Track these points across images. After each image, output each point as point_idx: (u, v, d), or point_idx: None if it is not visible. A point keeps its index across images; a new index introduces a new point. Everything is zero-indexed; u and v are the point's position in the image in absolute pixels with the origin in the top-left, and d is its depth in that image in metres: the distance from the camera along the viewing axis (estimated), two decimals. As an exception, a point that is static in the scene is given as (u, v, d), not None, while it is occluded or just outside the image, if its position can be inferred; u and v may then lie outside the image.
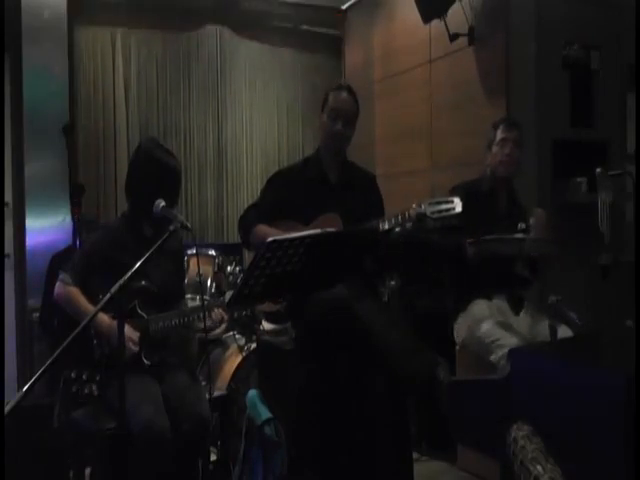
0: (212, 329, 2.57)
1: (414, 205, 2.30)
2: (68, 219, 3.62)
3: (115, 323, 1.97)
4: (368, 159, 4.51)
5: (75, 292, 2.44)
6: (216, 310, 2.48)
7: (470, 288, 2.90)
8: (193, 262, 3.12)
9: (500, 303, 2.88)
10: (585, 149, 3.68)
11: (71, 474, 2.51)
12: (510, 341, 2.59)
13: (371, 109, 4.81)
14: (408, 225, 2.30)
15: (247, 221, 2.58)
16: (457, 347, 2.98)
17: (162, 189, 2.36)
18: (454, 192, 2.67)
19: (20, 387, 3.76)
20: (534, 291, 3.02)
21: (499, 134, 2.94)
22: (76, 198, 3.28)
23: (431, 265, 3.25)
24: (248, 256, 3.80)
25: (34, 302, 3.81)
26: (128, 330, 2.34)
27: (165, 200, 2.29)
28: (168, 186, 2.45)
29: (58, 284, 2.47)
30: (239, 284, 2.09)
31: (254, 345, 3.21)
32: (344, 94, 2.54)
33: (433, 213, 2.30)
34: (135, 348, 2.39)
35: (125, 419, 1.95)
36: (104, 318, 2.34)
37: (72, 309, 2.44)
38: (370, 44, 4.99)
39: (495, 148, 2.94)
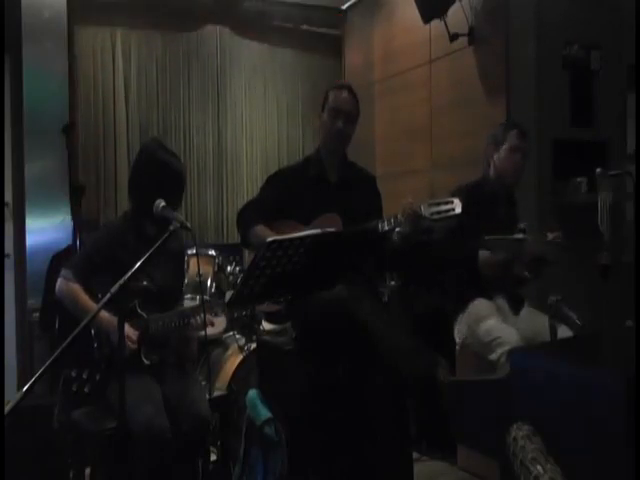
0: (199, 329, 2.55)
1: (414, 205, 2.30)
2: (68, 219, 3.62)
3: (115, 319, 1.97)
4: (368, 159, 4.51)
5: (76, 289, 2.44)
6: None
7: (470, 288, 2.90)
8: (193, 262, 3.11)
9: (500, 303, 2.89)
10: (585, 149, 3.68)
11: (71, 474, 2.51)
12: (510, 340, 2.59)
13: (371, 109, 4.81)
14: (408, 225, 2.30)
15: (246, 218, 2.58)
16: (457, 347, 2.98)
17: (164, 190, 2.36)
18: (455, 194, 2.67)
19: (20, 387, 3.76)
20: (534, 291, 3.02)
21: (510, 139, 2.90)
22: (76, 198, 3.29)
23: (431, 265, 3.25)
24: (248, 256, 3.80)
25: (34, 302, 3.82)
26: (127, 328, 2.34)
27: (168, 201, 2.28)
28: (170, 187, 2.45)
29: (60, 280, 2.48)
30: (239, 284, 2.09)
31: (254, 345, 3.21)
32: (345, 93, 2.54)
33: (433, 214, 2.30)
34: (133, 346, 2.39)
35: (125, 419, 1.94)
36: (104, 314, 2.33)
37: (73, 306, 2.44)
38: (370, 44, 4.99)
39: (504, 153, 2.91)
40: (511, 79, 3.68)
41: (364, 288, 2.35)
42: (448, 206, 2.30)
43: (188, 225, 2.16)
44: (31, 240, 4.05)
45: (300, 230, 2.22)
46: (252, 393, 2.48)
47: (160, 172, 2.46)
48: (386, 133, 4.83)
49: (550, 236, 2.78)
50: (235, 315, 3.02)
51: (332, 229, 2.22)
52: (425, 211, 2.29)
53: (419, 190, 4.23)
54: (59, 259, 3.38)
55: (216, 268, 3.52)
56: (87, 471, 2.56)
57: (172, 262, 2.63)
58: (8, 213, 4.17)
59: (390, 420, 2.19)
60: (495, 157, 2.95)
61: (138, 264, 1.80)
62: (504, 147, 2.92)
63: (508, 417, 1.76)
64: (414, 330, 2.93)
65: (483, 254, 2.74)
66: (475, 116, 3.85)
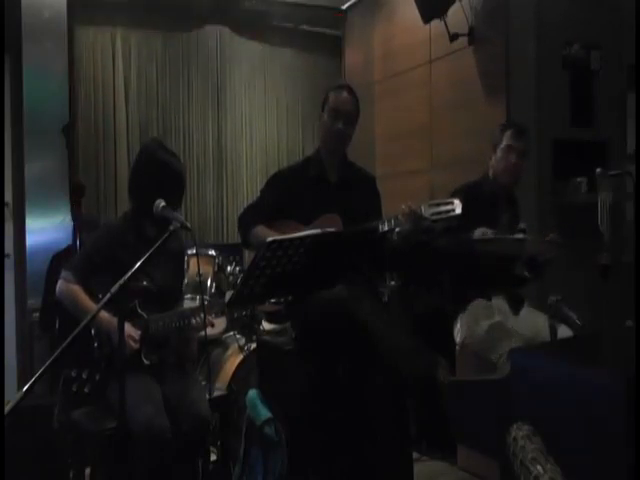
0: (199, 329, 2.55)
1: (414, 206, 2.30)
2: (68, 219, 3.62)
3: (115, 319, 1.97)
4: (368, 159, 4.51)
5: (77, 290, 2.44)
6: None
7: (470, 288, 2.90)
8: (193, 262, 3.12)
9: (500, 303, 2.88)
10: (585, 149, 3.68)
11: (71, 474, 2.51)
12: (510, 341, 2.59)
13: (371, 109, 4.81)
14: (408, 225, 2.30)
15: (247, 220, 2.58)
16: (457, 347, 2.98)
17: (164, 190, 2.36)
18: (455, 195, 2.67)
19: (20, 387, 3.76)
20: (534, 291, 3.01)
21: (506, 139, 2.90)
22: (76, 198, 3.29)
23: (431, 265, 3.25)
24: (248, 256, 3.80)
25: (34, 302, 3.82)
26: (128, 327, 2.34)
27: (168, 201, 2.28)
28: (170, 187, 2.45)
29: (60, 281, 2.48)
30: (239, 284, 2.09)
31: (254, 345, 3.21)
32: (344, 94, 2.54)
33: (433, 214, 2.29)
34: (135, 345, 2.39)
35: (125, 419, 1.94)
36: (104, 315, 2.33)
37: (73, 307, 2.44)
38: (370, 44, 4.99)
39: (500, 153, 2.91)
40: (511, 79, 3.68)
41: (364, 288, 2.35)
42: (448, 207, 2.30)
43: (188, 225, 2.16)
44: (31, 240, 4.05)
45: (300, 230, 2.22)
46: (252, 393, 2.48)
47: (160, 172, 2.46)
48: (386, 133, 4.83)
49: (548, 237, 2.78)
50: (235, 315, 3.02)
51: (332, 229, 2.23)
52: (425, 212, 2.29)
53: (419, 190, 4.23)
54: (59, 259, 3.38)
55: (216, 268, 3.52)
56: (87, 471, 2.55)
57: (172, 262, 2.63)
58: (8, 213, 4.17)
59: (390, 420, 2.19)
60: (493, 158, 2.96)
61: (138, 264, 1.80)
62: (500, 147, 2.92)
63: (508, 417, 1.76)
64: (414, 330, 2.92)
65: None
66: (475, 116, 3.85)
